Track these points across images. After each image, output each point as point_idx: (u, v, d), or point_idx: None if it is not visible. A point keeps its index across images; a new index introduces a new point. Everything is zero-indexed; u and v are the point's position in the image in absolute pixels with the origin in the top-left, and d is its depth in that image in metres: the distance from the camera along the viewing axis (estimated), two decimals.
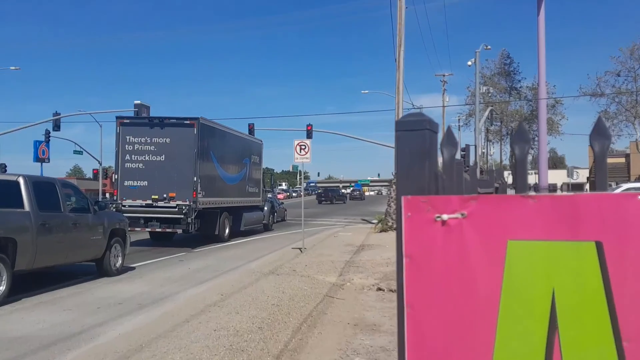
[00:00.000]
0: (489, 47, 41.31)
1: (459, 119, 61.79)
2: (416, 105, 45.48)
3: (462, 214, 1.32)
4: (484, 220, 1.31)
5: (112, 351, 6.33)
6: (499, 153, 67.27)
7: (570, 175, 43.16)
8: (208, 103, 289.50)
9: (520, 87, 61.47)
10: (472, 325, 1.29)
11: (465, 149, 34.84)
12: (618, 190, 17.72)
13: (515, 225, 1.29)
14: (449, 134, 1.50)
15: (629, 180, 37.02)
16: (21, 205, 9.63)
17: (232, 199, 20.98)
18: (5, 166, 38.78)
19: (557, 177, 55.13)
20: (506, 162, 64.42)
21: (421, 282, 1.33)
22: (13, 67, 49.08)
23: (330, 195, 71.04)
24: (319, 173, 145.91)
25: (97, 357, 6.10)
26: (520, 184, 1.38)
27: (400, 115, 24.24)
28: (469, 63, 40.11)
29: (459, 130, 60.07)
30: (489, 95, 53.33)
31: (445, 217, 1.33)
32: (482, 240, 1.31)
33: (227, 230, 20.48)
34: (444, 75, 53.63)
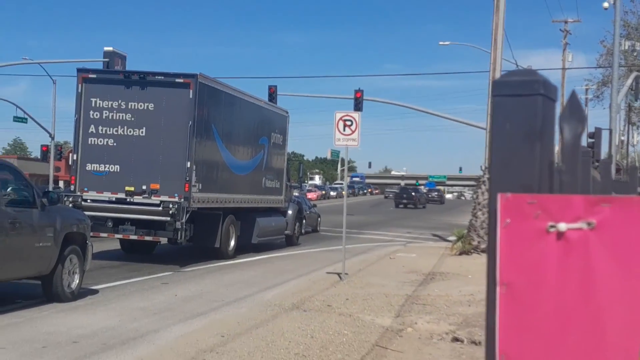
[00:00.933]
0: None
1: (586, 89, 60.80)
2: (522, 66, 44.81)
3: (589, 224, 1.30)
4: (622, 233, 1.29)
5: None
6: None
7: None
8: (211, 55, 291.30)
9: None
10: None
11: (595, 135, 34.31)
12: None
13: None
14: (573, 102, 1.47)
15: None
16: None
17: (241, 196, 21.10)
18: None
19: None
20: None
21: (524, 326, 1.32)
22: None
23: (414, 197, 73.03)
24: (370, 163, 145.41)
25: None
26: None
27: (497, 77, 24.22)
28: (605, 5, 39.35)
29: (586, 105, 59.15)
30: (635, 54, 52.15)
31: (563, 226, 1.31)
32: (619, 263, 1.28)
33: (232, 242, 20.60)
34: (566, 22, 52.95)
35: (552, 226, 1.33)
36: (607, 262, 1.31)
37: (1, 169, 11.63)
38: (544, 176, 1.41)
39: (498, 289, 1.37)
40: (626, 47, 46.01)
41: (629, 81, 42.32)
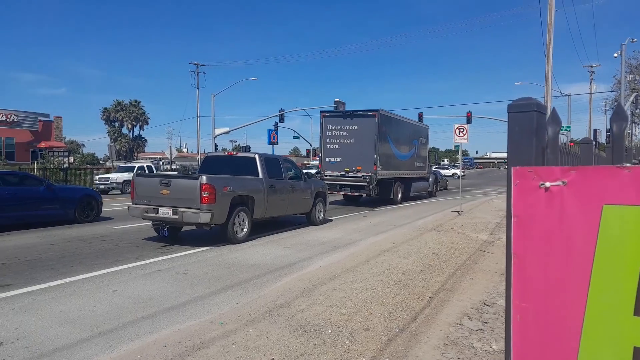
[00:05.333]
0: (634, 39, 34.89)
1: (605, 104, 53.77)
2: (564, 93, 40.36)
3: (563, 182, 1.18)
4: (582, 187, 1.16)
5: (314, 277, 6.77)
6: None
7: None
8: (389, 98, 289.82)
9: None
10: (569, 274, 1.16)
11: (611, 130, 30.41)
12: None
13: (611, 191, 1.12)
14: (553, 114, 1.34)
15: None
16: (256, 174, 10.63)
17: (403, 172, 20.67)
18: (249, 147, 42.99)
19: None
20: None
21: (526, 237, 1.24)
22: (253, 78, 54.19)
23: None
24: (477, 151, 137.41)
25: (304, 281, 6.57)
26: (616, 157, 1.20)
27: (549, 103, 21.71)
28: (615, 55, 34.41)
29: (605, 113, 52.27)
30: (635, 82, 45.15)
31: (548, 184, 1.20)
32: (579, 204, 1.16)
33: (399, 196, 20.25)
34: (591, 66, 46.69)
35: (541, 184, 1.23)
36: (574, 203, 1.19)
37: (286, 162, 12.18)
38: (538, 156, 1.30)
39: (512, 218, 1.28)
40: (629, 78, 40.25)
41: (631, 98, 37.24)
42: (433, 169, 27.53)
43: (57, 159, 35.70)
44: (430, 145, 25.87)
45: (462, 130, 16.61)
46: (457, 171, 55.03)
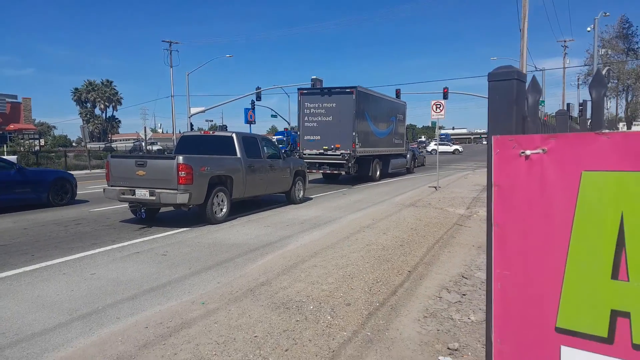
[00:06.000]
0: (607, 14, 35.41)
1: (578, 78, 54.73)
2: (539, 67, 40.89)
3: (543, 150, 1.19)
4: (561, 154, 1.17)
5: (295, 255, 6.80)
6: (614, 107, 58.37)
7: None
8: (366, 75, 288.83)
9: (638, 48, 51.70)
10: (549, 240, 1.17)
11: (583, 104, 30.88)
12: None
13: (590, 158, 1.13)
14: (533, 82, 1.33)
15: None
16: (234, 153, 10.50)
17: (381, 149, 20.71)
18: (226, 127, 42.35)
19: None
20: (622, 114, 55.76)
21: (506, 205, 1.24)
22: (228, 55, 52.90)
23: None
24: (453, 127, 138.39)
25: (285, 259, 6.59)
26: (595, 123, 1.20)
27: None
28: (588, 29, 34.97)
29: (578, 88, 53.32)
30: (607, 56, 45.92)
31: (528, 152, 1.20)
32: (559, 171, 1.17)
33: (378, 173, 20.35)
34: (565, 41, 47.30)
35: (522, 152, 1.23)
36: (554, 170, 1.19)
37: (265, 140, 12.07)
38: (518, 125, 1.29)
39: (493, 188, 1.29)
40: (602, 53, 40.98)
41: (603, 72, 38.04)
42: (433, 144, 27.73)
43: (27, 142, 34.59)
44: (408, 122, 25.94)
45: (439, 106, 16.69)
46: (459, 147, 59.22)
